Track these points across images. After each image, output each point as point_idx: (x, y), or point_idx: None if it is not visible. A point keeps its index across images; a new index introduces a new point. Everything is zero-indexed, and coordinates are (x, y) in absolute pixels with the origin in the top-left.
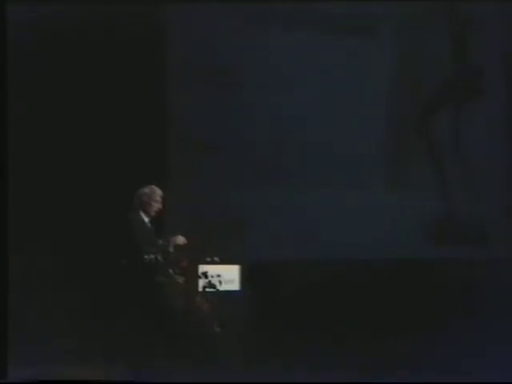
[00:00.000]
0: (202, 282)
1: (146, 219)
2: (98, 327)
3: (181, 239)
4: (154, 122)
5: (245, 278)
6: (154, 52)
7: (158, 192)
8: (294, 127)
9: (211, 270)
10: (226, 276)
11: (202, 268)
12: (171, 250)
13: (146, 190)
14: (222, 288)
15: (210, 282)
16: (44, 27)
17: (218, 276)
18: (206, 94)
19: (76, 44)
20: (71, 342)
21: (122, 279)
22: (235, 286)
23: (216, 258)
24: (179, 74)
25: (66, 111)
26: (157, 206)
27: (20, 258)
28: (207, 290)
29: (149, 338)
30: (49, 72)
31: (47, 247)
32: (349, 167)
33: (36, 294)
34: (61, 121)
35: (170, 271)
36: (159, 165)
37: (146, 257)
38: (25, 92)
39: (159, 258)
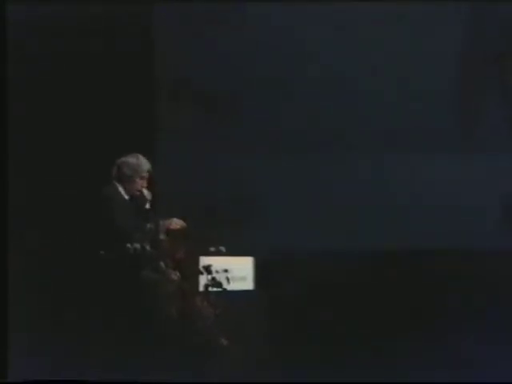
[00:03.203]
0: (203, 280)
1: (126, 196)
2: (68, 336)
3: (175, 223)
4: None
5: (260, 273)
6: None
7: (145, 165)
8: (334, 75)
9: (216, 263)
10: (236, 271)
11: (204, 261)
12: (163, 236)
13: (131, 159)
14: (230, 287)
15: (214, 279)
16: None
17: (226, 271)
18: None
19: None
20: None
21: (98, 276)
22: (247, 284)
23: (222, 248)
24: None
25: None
26: (141, 183)
27: None
28: (211, 289)
29: (134, 351)
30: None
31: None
32: (410, 128)
33: None
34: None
35: (162, 265)
36: (146, 125)
37: (129, 246)
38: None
39: (147, 247)
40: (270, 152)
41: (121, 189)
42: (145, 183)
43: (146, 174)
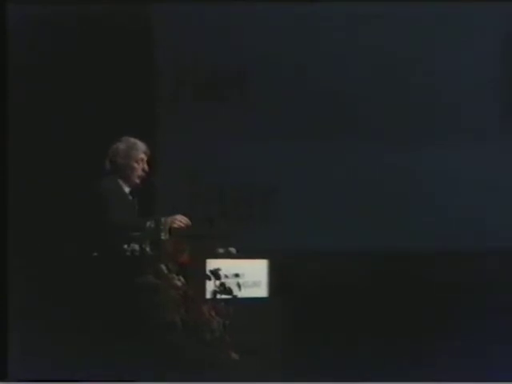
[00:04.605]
0: (211, 286)
1: (126, 189)
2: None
3: (179, 220)
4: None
5: (276, 278)
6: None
7: (141, 147)
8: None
9: (225, 266)
10: (249, 276)
11: (212, 264)
12: (164, 236)
13: (121, 145)
14: (241, 294)
15: (223, 284)
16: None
17: (236, 276)
18: None
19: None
20: None
21: (90, 280)
22: (261, 290)
23: (232, 249)
24: None
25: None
26: (140, 168)
27: None
28: (219, 296)
29: (132, 366)
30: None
31: None
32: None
33: None
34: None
35: (163, 268)
36: (144, 109)
37: (127, 247)
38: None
39: (146, 248)
40: (285, 142)
41: (120, 182)
42: (145, 166)
43: (143, 156)
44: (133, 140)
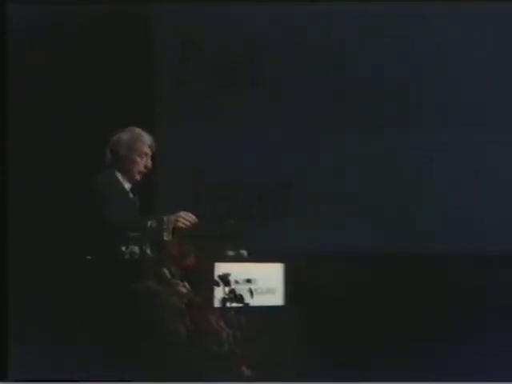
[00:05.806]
0: (220, 292)
1: (127, 185)
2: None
3: (184, 219)
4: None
5: (292, 284)
6: None
7: (146, 140)
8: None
9: (236, 271)
10: (262, 282)
11: (221, 268)
12: (167, 236)
13: (125, 136)
14: (254, 302)
15: (233, 291)
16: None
17: (248, 282)
18: None
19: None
20: None
21: (85, 285)
22: (277, 298)
23: (244, 252)
24: None
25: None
26: (143, 163)
27: None
28: (229, 305)
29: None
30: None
31: None
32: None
33: None
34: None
35: (166, 273)
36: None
37: (125, 249)
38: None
39: (147, 250)
40: (306, 130)
41: (120, 176)
42: (149, 162)
43: (147, 151)
44: (138, 131)
